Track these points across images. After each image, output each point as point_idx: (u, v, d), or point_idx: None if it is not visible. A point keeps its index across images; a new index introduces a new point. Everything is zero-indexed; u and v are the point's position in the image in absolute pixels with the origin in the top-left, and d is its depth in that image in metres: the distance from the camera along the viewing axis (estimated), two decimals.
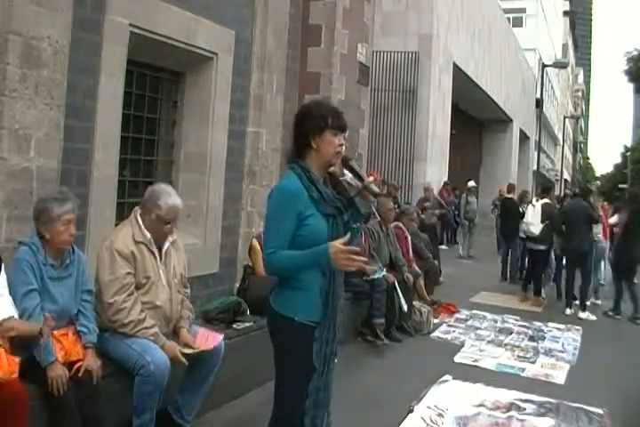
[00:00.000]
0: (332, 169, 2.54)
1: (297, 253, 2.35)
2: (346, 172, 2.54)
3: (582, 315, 7.78)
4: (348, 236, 2.34)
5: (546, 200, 8.69)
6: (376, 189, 2.49)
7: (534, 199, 9.01)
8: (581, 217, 7.95)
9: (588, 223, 7.98)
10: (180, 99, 4.94)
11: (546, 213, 8.34)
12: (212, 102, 4.93)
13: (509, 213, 10.49)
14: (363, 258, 2.31)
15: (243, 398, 4.11)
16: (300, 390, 2.42)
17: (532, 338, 6.55)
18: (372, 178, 2.53)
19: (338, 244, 2.27)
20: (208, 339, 3.44)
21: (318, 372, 2.42)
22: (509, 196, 11.18)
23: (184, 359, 3.24)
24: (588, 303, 8.18)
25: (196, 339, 3.40)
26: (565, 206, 8.91)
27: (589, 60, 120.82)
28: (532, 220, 8.44)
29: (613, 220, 9.20)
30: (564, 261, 8.60)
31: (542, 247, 8.44)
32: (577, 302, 8.07)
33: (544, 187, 10.00)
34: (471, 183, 14.23)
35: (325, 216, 2.41)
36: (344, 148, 2.49)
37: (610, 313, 7.99)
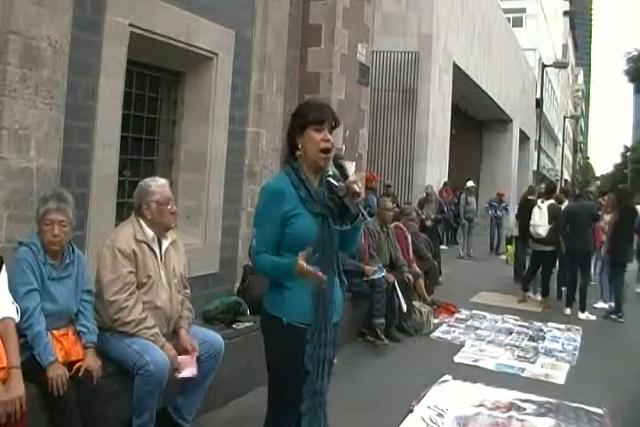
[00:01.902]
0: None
1: (274, 261, 2.34)
2: (334, 170, 2.45)
3: (582, 315, 7.76)
4: (309, 249, 2.27)
5: (551, 201, 8.64)
6: (356, 188, 2.34)
7: (539, 201, 8.93)
8: (586, 217, 7.94)
9: (592, 223, 7.96)
10: (179, 99, 4.93)
11: (552, 215, 8.28)
12: (212, 102, 4.92)
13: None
14: (323, 276, 2.26)
15: (243, 398, 4.11)
16: (291, 393, 2.36)
17: (531, 338, 6.55)
18: (353, 178, 2.37)
19: (303, 263, 2.23)
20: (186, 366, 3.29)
21: (313, 375, 2.33)
22: (530, 197, 10.98)
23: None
24: (607, 308, 8.18)
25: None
26: (569, 207, 8.87)
27: (589, 60, 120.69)
28: (540, 221, 8.34)
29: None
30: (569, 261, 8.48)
31: (549, 249, 8.34)
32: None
33: (548, 187, 9.84)
34: (470, 183, 14.21)
35: (315, 215, 2.36)
36: (331, 143, 2.39)
37: (613, 316, 7.84)
